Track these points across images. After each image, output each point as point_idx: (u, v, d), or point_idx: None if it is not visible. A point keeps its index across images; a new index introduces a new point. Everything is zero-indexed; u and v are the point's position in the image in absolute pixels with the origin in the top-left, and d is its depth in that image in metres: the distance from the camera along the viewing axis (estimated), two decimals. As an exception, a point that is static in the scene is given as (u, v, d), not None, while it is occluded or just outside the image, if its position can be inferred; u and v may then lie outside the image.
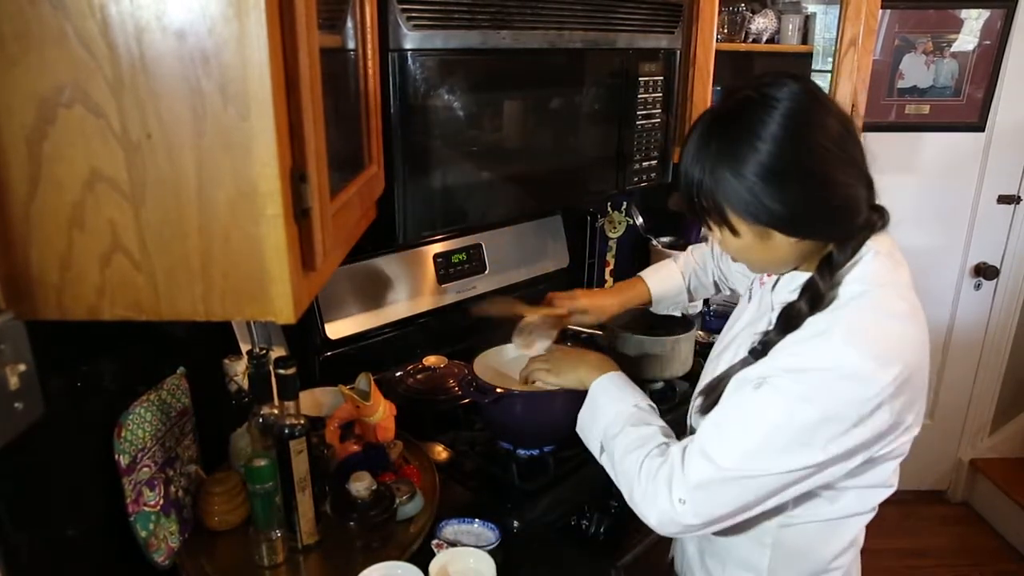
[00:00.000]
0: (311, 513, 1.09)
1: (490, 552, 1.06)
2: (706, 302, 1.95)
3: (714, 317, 1.94)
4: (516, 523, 1.18)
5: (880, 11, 1.97)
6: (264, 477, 1.03)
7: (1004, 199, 2.58)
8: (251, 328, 1.34)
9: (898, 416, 0.86)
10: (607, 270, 2.18)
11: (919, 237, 2.60)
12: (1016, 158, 2.53)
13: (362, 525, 1.08)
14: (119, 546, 1.02)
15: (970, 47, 2.43)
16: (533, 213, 1.88)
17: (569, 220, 2.03)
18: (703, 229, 1.00)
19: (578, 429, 1.12)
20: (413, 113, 1.20)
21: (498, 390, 1.24)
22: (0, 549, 0.84)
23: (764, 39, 2.23)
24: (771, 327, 0.93)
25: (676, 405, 1.50)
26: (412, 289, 1.63)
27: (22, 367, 0.58)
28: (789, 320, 0.90)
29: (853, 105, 1.98)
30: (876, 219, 0.92)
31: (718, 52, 1.93)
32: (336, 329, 1.49)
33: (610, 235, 2.17)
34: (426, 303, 1.66)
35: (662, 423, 1.03)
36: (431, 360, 1.59)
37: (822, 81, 2.04)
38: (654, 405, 1.07)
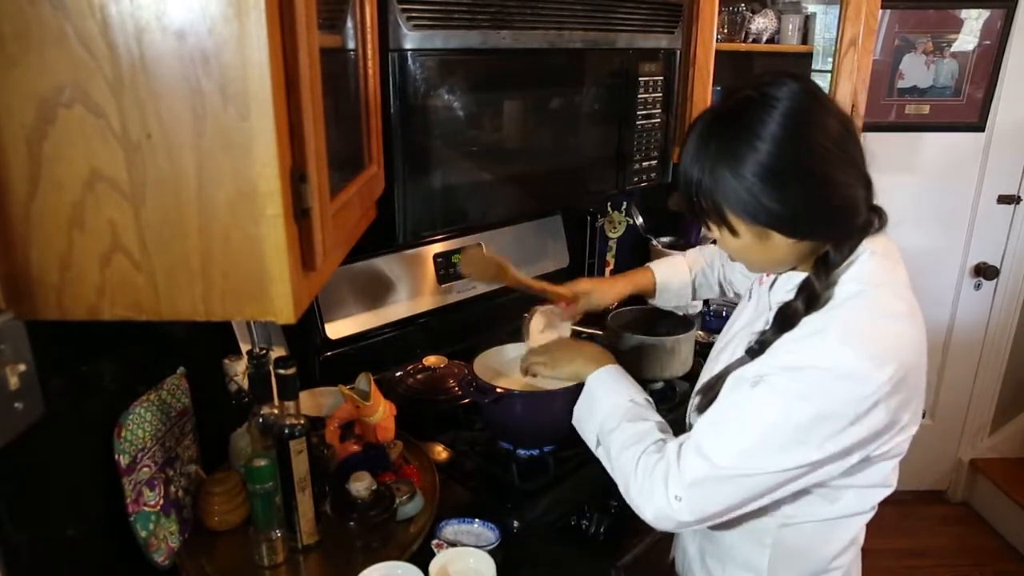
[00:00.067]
0: (311, 513, 1.09)
1: (490, 552, 1.06)
2: (706, 302, 1.95)
3: (714, 317, 1.94)
4: (516, 523, 1.18)
5: (880, 11, 1.97)
6: (264, 477, 1.03)
7: (1004, 199, 2.58)
8: (251, 328, 1.34)
9: (894, 415, 0.86)
10: (607, 270, 2.18)
11: (919, 237, 2.60)
12: (1016, 158, 2.53)
13: (362, 525, 1.08)
14: (119, 546, 1.02)
15: (970, 47, 2.43)
16: (533, 213, 1.88)
17: (569, 220, 2.03)
18: (703, 229, 1.00)
19: (574, 421, 1.12)
20: (413, 113, 1.20)
21: (498, 390, 1.24)
22: (0, 549, 0.84)
23: (764, 39, 2.23)
24: (768, 326, 0.93)
25: (676, 405, 1.50)
26: (412, 289, 1.63)
27: (22, 367, 0.58)
28: (785, 319, 0.90)
29: (853, 105, 1.98)
30: (874, 219, 0.92)
31: (718, 52, 1.93)
32: (336, 329, 1.49)
33: (610, 235, 2.17)
34: (426, 303, 1.66)
35: (659, 418, 1.04)
36: (431, 360, 1.59)
37: (822, 81, 2.04)
38: (650, 399, 1.08)
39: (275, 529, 1.05)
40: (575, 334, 1.64)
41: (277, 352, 1.34)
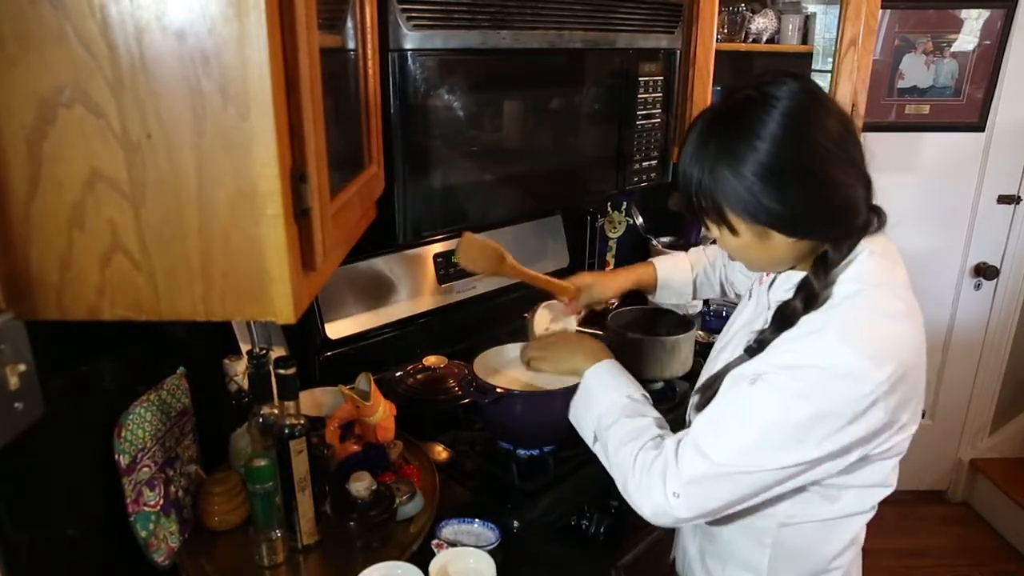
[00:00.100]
0: (311, 513, 1.09)
1: (490, 552, 1.06)
2: (706, 302, 1.95)
3: (714, 317, 1.94)
4: (516, 523, 1.18)
5: (880, 11, 1.97)
6: (264, 477, 1.03)
7: (1004, 199, 2.58)
8: (251, 328, 1.34)
9: (893, 414, 0.86)
10: (607, 270, 2.18)
11: (919, 237, 2.60)
12: (1016, 158, 2.53)
13: (362, 525, 1.08)
14: (119, 546, 1.02)
15: (970, 47, 2.43)
16: (533, 213, 1.88)
17: (569, 220, 2.03)
18: (702, 229, 1.00)
19: (571, 417, 1.12)
20: (413, 113, 1.20)
21: (498, 390, 1.24)
22: (0, 549, 0.84)
23: (764, 39, 2.23)
24: (767, 325, 0.93)
25: (676, 405, 1.50)
26: (412, 289, 1.63)
27: (22, 367, 0.58)
28: (784, 318, 0.91)
29: (853, 105, 1.98)
30: (873, 219, 0.92)
31: (718, 52, 1.93)
32: (336, 329, 1.49)
33: (610, 235, 2.17)
34: (426, 303, 1.66)
35: (656, 414, 1.04)
36: (431, 360, 1.59)
37: (822, 81, 2.04)
38: (647, 395, 1.08)
39: (275, 529, 1.05)
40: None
41: (277, 352, 1.34)
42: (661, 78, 1.67)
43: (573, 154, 1.55)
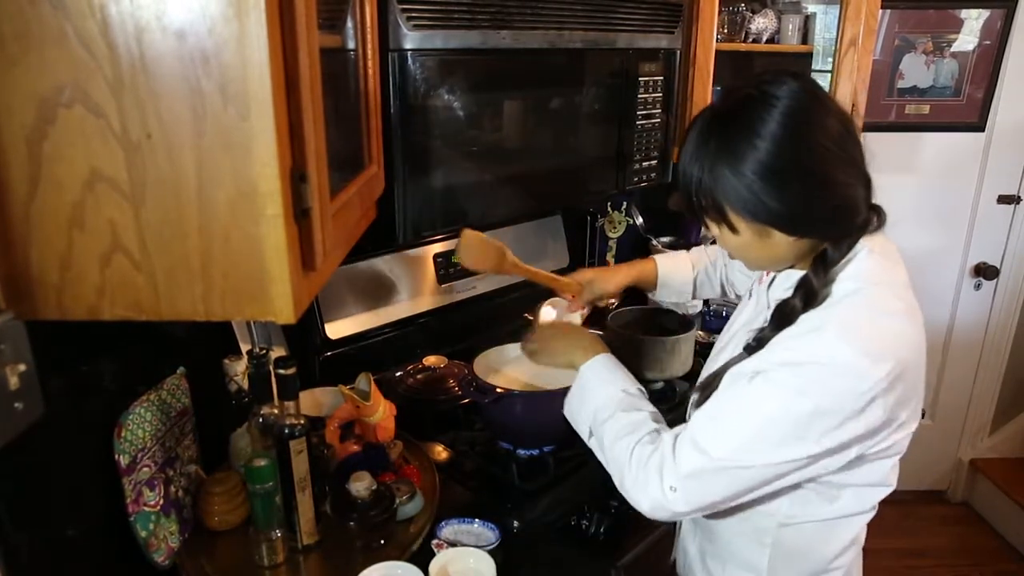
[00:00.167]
0: (311, 513, 1.09)
1: (490, 552, 1.06)
2: (706, 302, 1.95)
3: (714, 317, 1.94)
4: (516, 523, 1.18)
5: (880, 11, 1.97)
6: (264, 477, 1.03)
7: (1004, 199, 2.58)
8: (251, 328, 1.34)
9: (891, 412, 0.86)
10: (608, 266, 2.18)
11: (919, 237, 2.60)
12: (1016, 158, 2.53)
13: (362, 525, 1.08)
14: (119, 546, 1.02)
15: (970, 47, 2.43)
16: (533, 213, 1.88)
17: (569, 220, 2.03)
18: (702, 229, 1.00)
19: (566, 412, 1.11)
20: (413, 113, 1.20)
21: (498, 390, 1.24)
22: (0, 549, 0.84)
23: (764, 39, 2.23)
24: (767, 324, 0.93)
25: (676, 405, 1.50)
26: (412, 289, 1.63)
27: (22, 367, 0.58)
28: (783, 316, 0.91)
29: (853, 105, 1.98)
30: (873, 218, 0.92)
31: (718, 52, 1.93)
32: (336, 329, 1.49)
33: (610, 235, 2.17)
34: (426, 303, 1.66)
35: (652, 408, 1.03)
36: (431, 360, 1.59)
37: (822, 81, 2.04)
38: (643, 389, 1.07)
39: (275, 529, 1.05)
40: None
41: (277, 352, 1.34)
42: (661, 78, 1.67)
43: (573, 154, 1.55)
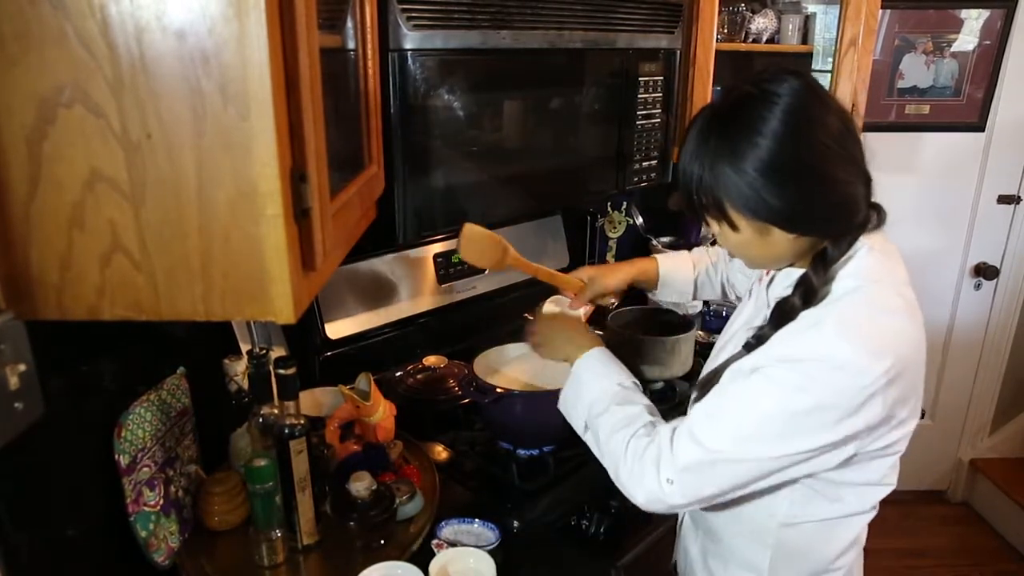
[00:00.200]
0: (311, 513, 1.09)
1: (490, 552, 1.06)
2: (705, 302, 1.95)
3: (714, 317, 1.94)
4: (516, 523, 1.18)
5: (880, 11, 1.97)
6: (264, 477, 1.03)
7: (1004, 199, 2.58)
8: (251, 328, 1.34)
9: (891, 410, 0.86)
10: (609, 263, 2.18)
11: (919, 237, 2.60)
12: (1016, 158, 2.53)
13: (362, 525, 1.08)
14: (119, 546, 1.02)
15: (970, 47, 2.43)
16: (533, 213, 1.88)
17: (569, 220, 2.03)
18: (702, 228, 1.00)
19: (561, 406, 1.11)
20: (413, 113, 1.20)
21: (498, 390, 1.24)
22: (0, 549, 0.84)
23: (764, 39, 2.23)
24: (766, 322, 0.93)
25: (676, 405, 1.50)
26: (412, 289, 1.63)
27: (22, 367, 0.58)
28: (783, 314, 0.91)
29: (853, 105, 1.98)
30: (873, 216, 0.92)
31: (718, 52, 1.93)
32: (336, 329, 1.49)
33: (610, 235, 2.17)
34: (426, 303, 1.66)
35: (647, 401, 1.03)
36: (431, 360, 1.59)
37: (822, 81, 2.04)
38: (637, 382, 1.07)
39: (275, 529, 1.05)
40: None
41: (277, 352, 1.34)
42: (661, 78, 1.67)
43: (573, 154, 1.55)
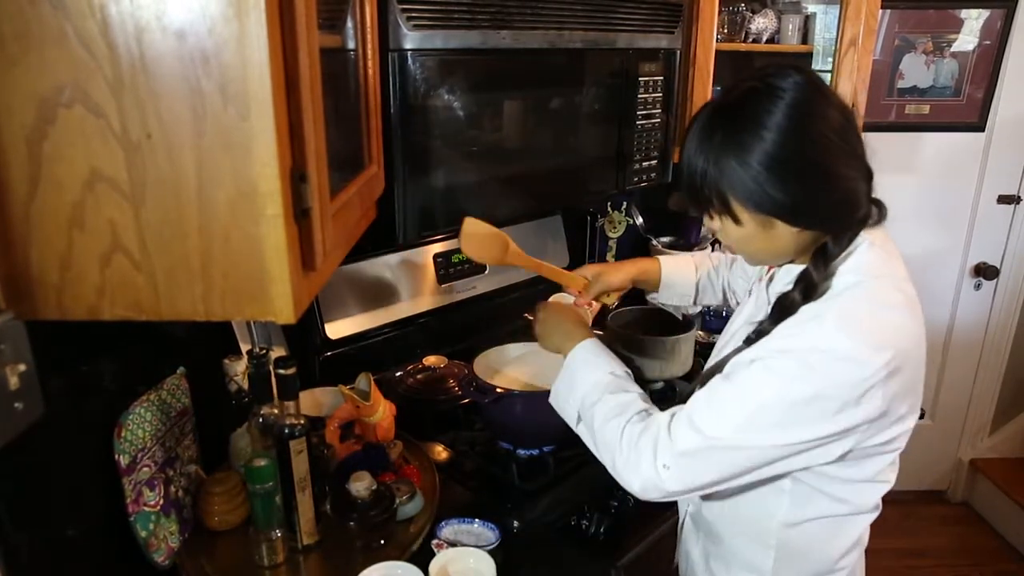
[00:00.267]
0: (311, 513, 1.09)
1: (490, 552, 1.06)
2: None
3: (714, 317, 1.94)
4: (516, 523, 1.18)
5: (880, 11, 1.97)
6: (264, 477, 1.03)
7: (1004, 199, 2.58)
8: (251, 328, 1.34)
9: (890, 403, 0.86)
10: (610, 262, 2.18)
11: (919, 237, 2.60)
12: (1016, 158, 2.53)
13: (362, 525, 1.08)
14: (119, 546, 1.02)
15: (970, 47, 2.43)
16: (533, 213, 1.88)
17: (569, 220, 2.03)
18: (703, 228, 1.00)
19: (552, 400, 1.09)
20: (413, 113, 1.20)
21: (498, 390, 1.24)
22: (0, 549, 0.84)
23: (764, 39, 2.23)
24: (767, 318, 0.94)
25: (676, 405, 1.50)
26: (412, 289, 1.63)
27: (22, 367, 0.58)
28: (783, 309, 0.91)
29: (853, 105, 1.98)
30: (873, 211, 0.92)
31: (718, 52, 1.93)
32: (336, 329, 1.49)
33: (610, 235, 2.17)
34: (426, 303, 1.66)
35: (640, 390, 1.03)
36: (431, 360, 1.59)
37: (822, 81, 2.04)
38: (629, 371, 1.07)
39: (275, 529, 1.05)
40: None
41: (277, 352, 1.34)
42: (661, 78, 1.67)
43: (573, 154, 1.55)
